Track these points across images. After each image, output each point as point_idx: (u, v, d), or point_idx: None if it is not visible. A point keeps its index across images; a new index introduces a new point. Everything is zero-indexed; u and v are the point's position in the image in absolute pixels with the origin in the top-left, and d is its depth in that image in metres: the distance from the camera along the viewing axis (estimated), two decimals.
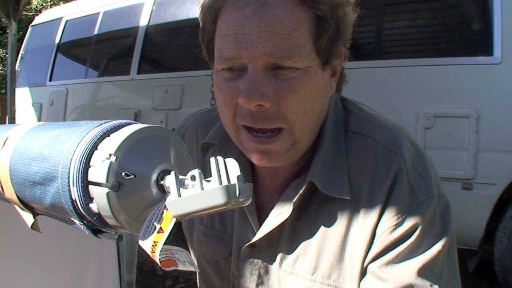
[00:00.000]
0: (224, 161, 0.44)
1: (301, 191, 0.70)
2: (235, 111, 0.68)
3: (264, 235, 0.74)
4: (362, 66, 2.66)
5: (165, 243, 0.45)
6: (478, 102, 2.36)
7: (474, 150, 2.29)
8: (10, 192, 0.54)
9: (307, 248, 0.72)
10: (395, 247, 0.66)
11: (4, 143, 0.56)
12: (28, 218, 0.57)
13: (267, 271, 0.76)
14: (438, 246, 0.66)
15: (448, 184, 2.28)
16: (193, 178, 0.44)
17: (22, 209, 0.57)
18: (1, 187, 0.56)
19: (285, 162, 0.71)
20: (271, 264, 0.75)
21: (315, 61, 0.66)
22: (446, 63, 2.50)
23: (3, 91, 12.89)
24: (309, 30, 0.65)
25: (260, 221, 0.76)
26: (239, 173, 0.44)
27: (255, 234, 0.76)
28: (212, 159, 0.43)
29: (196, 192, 0.43)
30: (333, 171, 0.70)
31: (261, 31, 0.62)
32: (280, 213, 0.72)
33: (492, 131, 2.31)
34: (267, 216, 0.74)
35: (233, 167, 0.44)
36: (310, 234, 0.72)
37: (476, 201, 2.27)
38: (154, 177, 0.46)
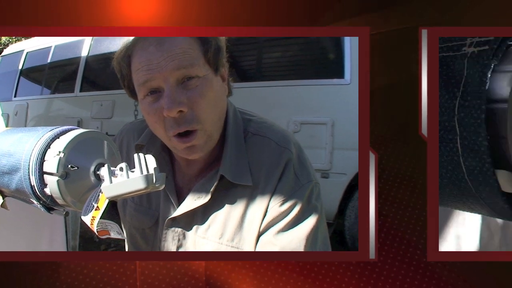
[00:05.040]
0: (145, 157, 0.52)
1: (216, 183, 0.82)
2: (165, 125, 0.78)
3: (184, 213, 0.85)
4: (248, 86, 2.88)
5: (100, 218, 0.52)
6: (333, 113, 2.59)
7: (331, 148, 2.58)
8: None
9: (216, 219, 0.84)
10: (283, 218, 0.79)
11: None
12: None
13: (185, 237, 0.88)
14: (314, 219, 0.80)
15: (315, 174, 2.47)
16: (121, 169, 0.51)
17: None
18: None
19: (205, 152, 0.83)
20: (188, 231, 0.87)
21: (209, 70, 0.80)
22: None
23: None
24: (199, 49, 0.78)
25: (180, 200, 0.88)
26: (155, 165, 0.52)
27: (175, 209, 0.87)
28: (135, 155, 0.52)
29: (124, 180, 0.51)
30: (238, 165, 0.82)
31: (166, 56, 0.75)
32: (198, 197, 0.84)
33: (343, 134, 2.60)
34: (185, 197, 0.86)
35: (151, 161, 0.52)
36: (219, 209, 0.84)
37: (332, 187, 2.60)
38: (92, 168, 0.53)
